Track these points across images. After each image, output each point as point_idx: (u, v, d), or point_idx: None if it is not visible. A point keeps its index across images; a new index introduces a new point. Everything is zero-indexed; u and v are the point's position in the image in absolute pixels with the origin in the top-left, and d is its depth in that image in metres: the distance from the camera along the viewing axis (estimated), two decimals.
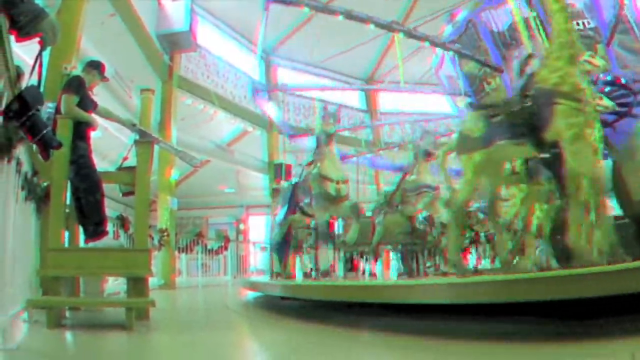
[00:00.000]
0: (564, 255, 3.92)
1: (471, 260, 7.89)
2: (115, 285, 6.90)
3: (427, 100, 17.77)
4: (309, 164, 6.79)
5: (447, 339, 2.96)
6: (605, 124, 8.27)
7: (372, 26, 8.43)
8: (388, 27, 8.69)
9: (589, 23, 8.23)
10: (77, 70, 5.40)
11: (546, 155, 3.77)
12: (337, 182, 6.18)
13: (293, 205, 7.07)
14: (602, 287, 2.50)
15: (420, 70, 14.11)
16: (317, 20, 14.62)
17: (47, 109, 2.35)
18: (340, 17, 8.44)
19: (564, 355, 2.40)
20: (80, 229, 5.07)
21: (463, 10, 9.56)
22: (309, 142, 10.18)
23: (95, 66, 5.30)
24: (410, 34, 8.85)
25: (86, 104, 4.95)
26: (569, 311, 2.65)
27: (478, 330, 2.90)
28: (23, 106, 2.16)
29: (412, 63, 13.74)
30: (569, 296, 2.55)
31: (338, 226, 7.93)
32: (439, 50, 10.50)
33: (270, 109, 14.63)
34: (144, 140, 5.10)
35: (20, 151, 2.91)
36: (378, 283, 3.66)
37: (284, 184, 7.98)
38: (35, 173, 3.74)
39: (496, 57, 8.91)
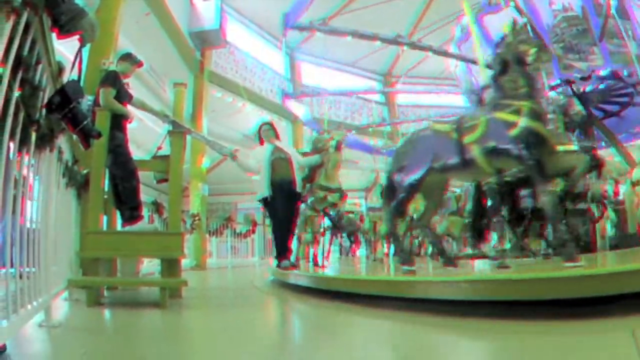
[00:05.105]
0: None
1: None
2: (149, 266, 6.97)
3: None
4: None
5: (457, 316, 2.93)
6: (611, 114, 8.21)
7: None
8: (393, 41, 8.73)
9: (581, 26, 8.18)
10: (114, 66, 5.44)
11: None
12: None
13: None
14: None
15: (439, 66, 14.01)
16: (337, 21, 14.62)
17: (86, 101, 2.34)
18: (349, 38, 8.51)
19: (565, 331, 2.33)
20: (118, 214, 5.13)
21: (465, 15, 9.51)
22: None
23: (124, 57, 5.34)
24: (414, 46, 8.92)
25: (122, 95, 4.98)
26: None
27: (482, 310, 2.85)
28: (64, 99, 2.16)
29: (432, 59, 13.63)
30: (587, 294, 2.48)
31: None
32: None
33: (299, 111, 14.71)
34: (177, 131, 5.12)
35: (61, 141, 2.93)
36: (405, 279, 3.60)
37: None
38: (75, 161, 3.77)
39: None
